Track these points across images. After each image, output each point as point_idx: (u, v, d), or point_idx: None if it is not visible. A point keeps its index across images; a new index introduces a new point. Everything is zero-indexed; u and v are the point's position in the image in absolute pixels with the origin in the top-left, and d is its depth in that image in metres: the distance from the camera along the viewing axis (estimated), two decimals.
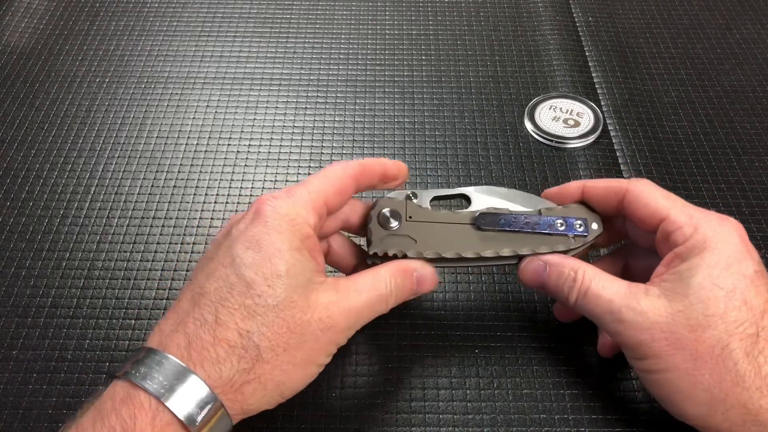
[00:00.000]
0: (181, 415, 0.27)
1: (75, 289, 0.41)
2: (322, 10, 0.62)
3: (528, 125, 0.51)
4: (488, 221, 0.35)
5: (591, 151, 0.50)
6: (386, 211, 0.35)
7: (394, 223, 0.34)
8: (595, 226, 0.35)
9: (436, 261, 0.34)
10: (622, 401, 0.36)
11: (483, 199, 0.35)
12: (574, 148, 0.50)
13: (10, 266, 0.42)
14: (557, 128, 0.51)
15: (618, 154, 0.49)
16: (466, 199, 0.35)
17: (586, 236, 0.35)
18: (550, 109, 0.52)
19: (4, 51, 0.57)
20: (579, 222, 0.35)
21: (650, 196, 0.33)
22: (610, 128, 0.51)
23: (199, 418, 0.27)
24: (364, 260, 0.35)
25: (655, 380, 0.31)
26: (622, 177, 0.48)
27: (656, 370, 0.30)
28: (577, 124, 0.51)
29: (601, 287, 0.32)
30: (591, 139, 0.50)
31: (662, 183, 0.47)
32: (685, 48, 0.58)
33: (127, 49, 0.58)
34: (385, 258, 0.34)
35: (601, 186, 0.35)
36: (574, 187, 0.36)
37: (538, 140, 0.50)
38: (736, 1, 0.63)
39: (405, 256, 0.34)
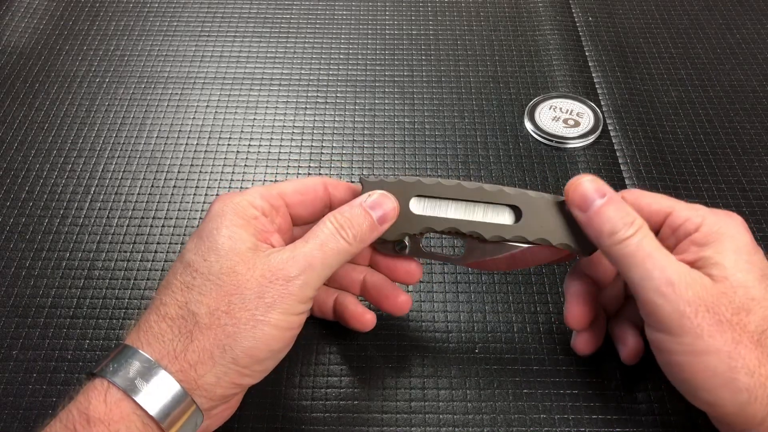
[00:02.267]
0: (123, 386, 0.28)
1: (75, 289, 0.41)
2: (322, 10, 0.62)
3: (528, 125, 0.51)
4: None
5: (591, 151, 0.50)
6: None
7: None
8: None
9: (434, 188, 0.34)
10: (622, 401, 0.36)
11: None
12: (574, 148, 0.50)
13: (10, 266, 0.42)
14: (557, 128, 0.50)
15: (618, 154, 0.49)
16: None
17: None
18: (550, 109, 0.52)
19: (4, 51, 0.57)
20: None
21: (650, 197, 0.34)
22: (610, 128, 0.51)
23: (144, 387, 0.28)
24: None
25: (690, 363, 0.29)
26: (623, 177, 0.48)
27: (693, 352, 0.29)
28: (577, 124, 0.51)
29: (655, 246, 0.31)
30: (591, 139, 0.50)
31: (662, 183, 0.47)
32: (685, 48, 0.58)
33: (127, 49, 0.58)
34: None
35: None
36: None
37: (538, 140, 0.50)
38: (736, 1, 0.63)
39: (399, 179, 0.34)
